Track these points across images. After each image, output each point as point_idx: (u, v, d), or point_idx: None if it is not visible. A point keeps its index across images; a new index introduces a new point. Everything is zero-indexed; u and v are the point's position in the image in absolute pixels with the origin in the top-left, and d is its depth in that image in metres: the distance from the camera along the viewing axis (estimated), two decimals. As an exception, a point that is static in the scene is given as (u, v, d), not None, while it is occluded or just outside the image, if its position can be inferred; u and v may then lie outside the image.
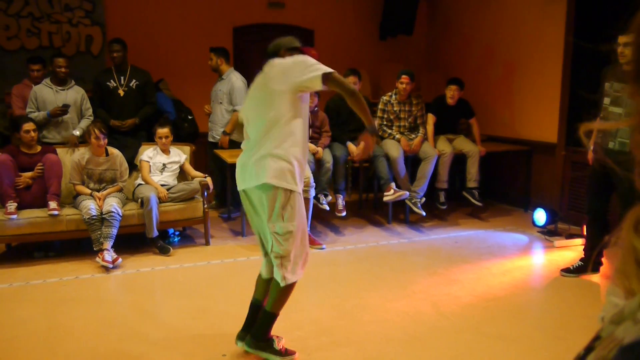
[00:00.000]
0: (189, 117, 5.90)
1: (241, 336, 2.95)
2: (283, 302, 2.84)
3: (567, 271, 4.17)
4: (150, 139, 5.21)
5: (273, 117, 2.67)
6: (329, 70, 2.64)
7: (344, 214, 5.26)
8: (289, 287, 2.80)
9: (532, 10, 6.01)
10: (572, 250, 4.77)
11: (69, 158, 4.82)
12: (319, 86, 2.64)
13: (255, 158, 2.70)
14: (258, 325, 2.88)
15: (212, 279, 4.18)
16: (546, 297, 3.86)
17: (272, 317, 2.85)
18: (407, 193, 5.35)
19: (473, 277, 4.18)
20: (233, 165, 5.21)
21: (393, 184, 5.33)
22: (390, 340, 3.14)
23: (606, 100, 3.80)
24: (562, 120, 5.71)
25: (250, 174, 2.72)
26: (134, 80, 5.30)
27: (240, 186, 2.84)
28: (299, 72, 2.66)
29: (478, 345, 3.09)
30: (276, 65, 2.76)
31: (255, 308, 2.98)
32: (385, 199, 5.35)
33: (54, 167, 4.60)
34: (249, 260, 4.57)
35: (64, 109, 4.90)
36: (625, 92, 3.68)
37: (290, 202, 2.70)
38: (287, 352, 2.89)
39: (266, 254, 2.92)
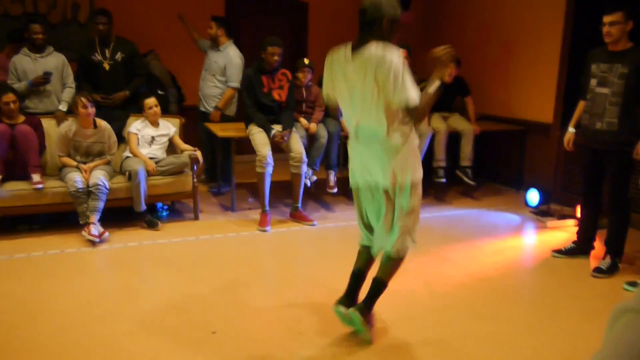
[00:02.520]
0: (160, 92, 5.65)
1: (345, 302, 2.87)
2: (395, 272, 2.85)
3: (559, 252, 4.14)
4: (139, 111, 5.07)
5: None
6: (415, 100, 2.55)
7: (335, 190, 5.19)
8: (402, 258, 2.82)
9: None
10: (565, 231, 4.74)
11: (56, 129, 4.69)
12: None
13: (384, 151, 2.63)
14: (372, 294, 2.82)
15: (201, 255, 4.11)
16: (539, 277, 3.83)
17: (384, 286, 2.83)
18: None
19: (466, 256, 4.14)
20: (224, 140, 5.16)
21: None
22: (382, 320, 3.08)
23: (593, 82, 3.75)
24: (559, 101, 5.63)
25: (385, 170, 2.66)
26: (119, 53, 5.11)
27: (366, 181, 2.78)
28: (390, 89, 2.54)
29: (472, 325, 3.05)
30: (375, 64, 2.54)
31: (358, 277, 2.94)
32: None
33: (27, 139, 4.43)
34: (239, 236, 4.50)
35: (46, 77, 4.75)
36: (611, 72, 3.65)
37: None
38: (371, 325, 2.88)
39: (367, 227, 2.92)
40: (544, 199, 5.18)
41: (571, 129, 4.05)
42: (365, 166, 2.74)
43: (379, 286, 2.82)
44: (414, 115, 2.60)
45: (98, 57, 5.08)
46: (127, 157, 4.73)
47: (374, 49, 2.55)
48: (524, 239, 4.72)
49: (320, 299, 3.32)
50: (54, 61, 4.93)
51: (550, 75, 5.70)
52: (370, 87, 2.57)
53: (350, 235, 4.53)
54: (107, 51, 5.10)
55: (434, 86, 2.62)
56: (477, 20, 6.74)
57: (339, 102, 2.83)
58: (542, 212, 5.16)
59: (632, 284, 3.54)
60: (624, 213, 3.83)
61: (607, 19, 3.57)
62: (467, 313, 3.19)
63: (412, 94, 2.54)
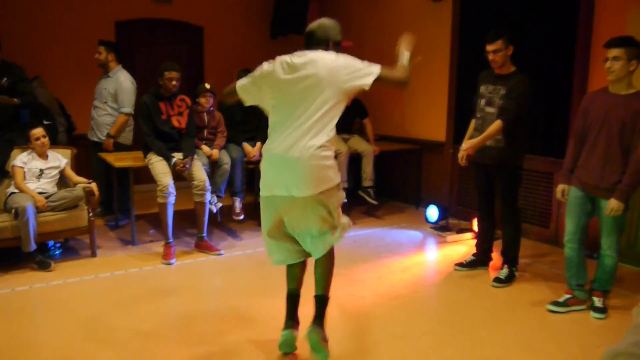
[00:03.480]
0: (45, 122, 5.30)
1: (292, 326, 2.89)
2: (331, 278, 2.92)
3: (460, 265, 4.33)
4: (24, 142, 4.70)
5: (319, 114, 2.62)
6: (378, 71, 2.69)
7: (241, 217, 5.10)
8: (333, 264, 2.92)
9: (419, 12, 6.20)
10: (464, 244, 4.98)
11: None
12: (367, 87, 2.67)
13: (304, 159, 2.58)
14: (321, 311, 2.86)
15: (102, 294, 3.84)
16: (445, 291, 3.97)
17: (327, 300, 2.88)
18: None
19: (374, 276, 4.21)
20: (120, 170, 4.91)
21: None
22: (298, 345, 3.04)
23: (482, 102, 4.02)
24: (450, 119, 5.95)
25: (303, 180, 2.61)
26: (4, 78, 4.74)
27: (281, 192, 2.69)
28: (349, 76, 2.67)
29: (386, 345, 3.08)
30: (325, 64, 2.65)
31: (296, 298, 2.96)
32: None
33: None
34: (142, 271, 4.27)
35: None
36: (495, 93, 3.93)
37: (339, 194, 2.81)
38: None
39: (284, 238, 2.86)
40: (442, 215, 5.41)
41: (463, 146, 4.26)
42: (291, 177, 2.66)
43: (324, 301, 2.87)
44: (385, 82, 2.73)
45: None
46: (13, 192, 4.35)
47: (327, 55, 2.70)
48: (427, 254, 4.88)
49: (232, 332, 3.22)
50: None
51: (441, 96, 6.01)
52: (327, 94, 2.63)
53: (260, 262, 4.48)
54: None
55: (406, 56, 2.97)
56: (370, 43, 6.98)
57: (271, 112, 2.78)
58: (442, 228, 5.38)
59: (556, 303, 3.58)
60: (515, 224, 4.08)
61: (489, 47, 3.86)
62: (382, 333, 3.23)
63: (372, 69, 2.70)
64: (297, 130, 2.63)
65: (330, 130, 2.66)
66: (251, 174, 6.03)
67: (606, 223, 3.41)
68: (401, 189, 6.66)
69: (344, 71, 2.66)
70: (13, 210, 4.19)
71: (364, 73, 2.67)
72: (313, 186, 2.64)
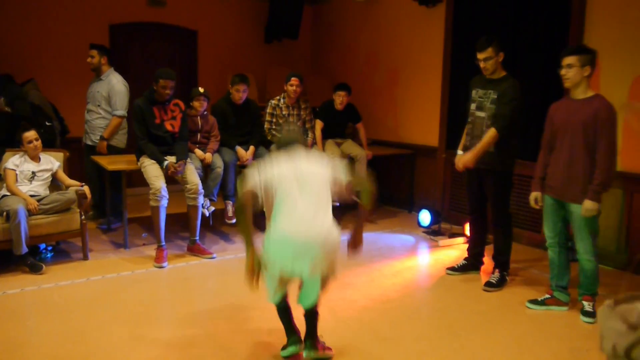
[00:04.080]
0: (47, 124, 5.31)
1: (296, 341, 2.89)
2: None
3: (452, 269, 4.35)
4: (16, 145, 4.69)
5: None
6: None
7: (234, 220, 5.09)
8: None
9: (412, 18, 6.24)
10: (455, 249, 5.00)
11: None
12: None
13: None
14: (311, 325, 2.89)
15: (93, 297, 3.82)
16: (437, 295, 3.98)
17: (317, 313, 2.90)
18: None
19: (366, 279, 4.22)
20: (113, 173, 4.90)
21: None
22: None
23: (472, 106, 4.05)
24: (443, 125, 5.98)
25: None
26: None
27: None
28: None
29: (377, 349, 3.09)
30: None
31: (287, 310, 2.95)
32: None
33: None
34: (134, 274, 4.26)
35: None
36: (486, 98, 3.96)
37: None
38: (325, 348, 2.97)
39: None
40: (434, 219, 5.43)
41: (460, 152, 4.29)
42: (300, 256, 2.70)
43: (313, 315, 2.89)
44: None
45: None
46: (4, 195, 4.34)
47: None
48: (419, 258, 4.90)
49: (224, 335, 3.23)
50: None
51: (434, 100, 6.05)
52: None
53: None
54: None
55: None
56: (363, 48, 7.03)
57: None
58: (434, 232, 5.41)
59: (534, 301, 3.69)
60: (507, 228, 4.11)
61: (480, 55, 3.91)
62: (373, 337, 3.24)
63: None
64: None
65: None
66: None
67: (578, 227, 3.46)
68: (394, 193, 6.68)
69: None
70: (4, 213, 4.18)
71: None
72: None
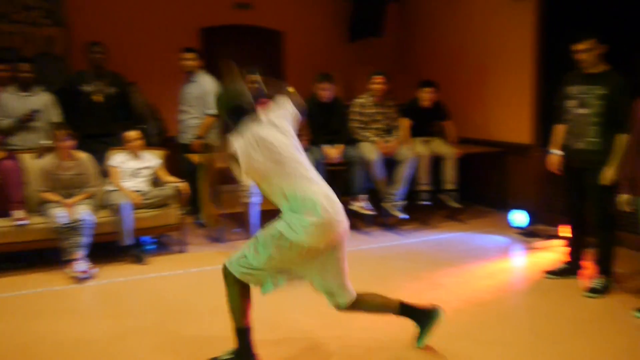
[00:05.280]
0: (143, 127, 5.63)
1: None
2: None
3: (551, 273, 4.17)
4: (120, 144, 4.99)
5: None
6: None
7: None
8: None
9: (500, 11, 6.05)
10: (552, 252, 4.79)
11: (36, 164, 4.57)
12: None
13: None
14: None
15: (191, 288, 4.01)
16: (534, 300, 3.84)
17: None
18: (373, 214, 5.37)
19: (458, 280, 4.14)
20: (208, 170, 5.08)
21: (364, 197, 5.26)
22: (381, 348, 3.06)
23: (572, 103, 3.86)
24: (536, 122, 5.75)
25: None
26: (111, 85, 5.11)
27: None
28: None
29: (473, 352, 3.03)
30: None
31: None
32: (349, 206, 5.31)
33: (10, 175, 4.35)
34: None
35: (32, 115, 4.72)
36: (590, 94, 3.75)
37: None
38: None
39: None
40: (529, 220, 5.24)
41: (555, 151, 4.11)
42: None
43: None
44: None
45: (87, 87, 5.05)
46: (111, 190, 4.63)
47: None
48: (513, 261, 4.75)
49: (318, 331, 3.28)
50: (42, 100, 4.90)
51: (524, 96, 5.82)
52: None
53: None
54: (98, 83, 5.07)
55: None
56: (451, 44, 6.88)
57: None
58: (529, 233, 5.22)
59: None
60: (609, 232, 3.88)
61: (580, 46, 3.71)
62: (468, 339, 3.17)
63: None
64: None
65: None
66: (331, 175, 6.09)
67: None
68: (485, 192, 6.51)
69: None
70: (112, 207, 4.46)
71: None
72: None
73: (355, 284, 3.96)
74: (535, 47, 5.65)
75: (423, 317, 2.94)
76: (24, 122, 4.76)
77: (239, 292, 2.72)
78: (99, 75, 5.10)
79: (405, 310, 2.92)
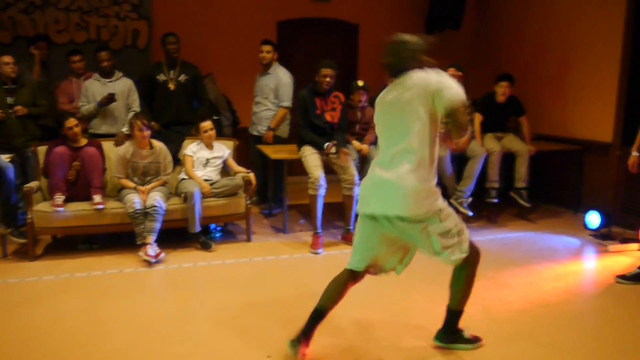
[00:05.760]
0: (215, 117, 5.79)
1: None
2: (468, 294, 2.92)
3: (623, 278, 3.96)
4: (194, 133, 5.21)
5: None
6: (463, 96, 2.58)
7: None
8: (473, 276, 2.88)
9: (588, 2, 5.75)
10: (628, 256, 4.54)
11: (115, 151, 4.85)
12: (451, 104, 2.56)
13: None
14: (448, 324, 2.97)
15: (255, 276, 4.13)
16: (602, 305, 3.66)
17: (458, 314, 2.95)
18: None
19: (524, 281, 4.02)
20: (276, 161, 5.21)
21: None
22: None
23: None
24: (619, 119, 5.45)
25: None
26: (183, 75, 5.31)
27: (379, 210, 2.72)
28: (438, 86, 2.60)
29: (534, 354, 2.94)
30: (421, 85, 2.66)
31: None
32: None
33: (92, 160, 4.61)
34: (291, 258, 4.51)
35: (110, 97, 5.02)
36: None
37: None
38: (475, 340, 3.00)
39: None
40: (604, 222, 4.99)
41: (635, 153, 3.92)
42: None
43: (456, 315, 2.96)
44: (456, 119, 2.55)
45: (163, 77, 5.29)
46: (183, 179, 4.83)
47: (416, 75, 2.66)
48: (584, 263, 4.54)
49: (379, 325, 3.29)
50: (121, 86, 5.20)
51: (608, 92, 5.53)
52: (414, 111, 2.61)
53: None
54: (172, 72, 5.30)
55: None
56: (531, 36, 6.62)
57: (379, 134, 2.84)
58: (603, 236, 4.96)
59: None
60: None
61: None
62: (529, 341, 3.08)
63: (460, 91, 2.55)
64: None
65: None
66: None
67: None
68: (558, 192, 6.24)
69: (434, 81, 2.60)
70: (183, 195, 4.65)
71: (453, 87, 2.56)
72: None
73: (419, 281, 3.97)
74: (625, 41, 5.34)
75: (459, 335, 2.99)
76: (103, 105, 5.06)
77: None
78: (172, 65, 5.32)
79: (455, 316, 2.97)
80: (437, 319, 3.02)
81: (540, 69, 6.47)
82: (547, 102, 6.35)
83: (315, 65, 4.90)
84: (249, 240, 4.92)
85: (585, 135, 5.86)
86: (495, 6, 7.38)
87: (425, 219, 2.64)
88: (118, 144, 4.92)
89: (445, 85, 2.56)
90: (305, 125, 4.86)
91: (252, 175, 4.90)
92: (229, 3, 6.80)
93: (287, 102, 5.63)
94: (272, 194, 5.74)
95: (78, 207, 4.47)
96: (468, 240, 2.76)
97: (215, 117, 5.57)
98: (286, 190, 5.17)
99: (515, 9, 6.90)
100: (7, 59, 4.90)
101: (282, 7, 7.02)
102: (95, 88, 5.13)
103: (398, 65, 2.75)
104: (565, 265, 4.35)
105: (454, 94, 2.53)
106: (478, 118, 5.59)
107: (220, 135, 5.58)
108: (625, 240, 4.81)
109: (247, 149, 5.97)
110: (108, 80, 5.17)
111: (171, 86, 5.29)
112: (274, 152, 5.17)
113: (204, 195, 4.67)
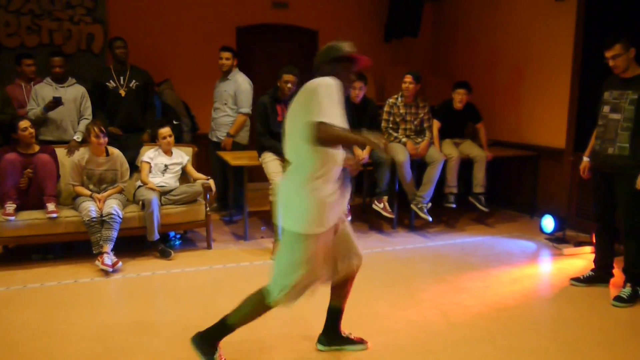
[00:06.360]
0: (175, 122, 5.72)
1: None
2: (250, 319, 2.77)
3: (577, 280, 4.08)
4: (151, 140, 5.11)
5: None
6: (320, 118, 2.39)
7: (349, 218, 5.13)
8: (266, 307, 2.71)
9: (540, 12, 5.93)
10: (582, 259, 4.68)
11: (69, 158, 4.71)
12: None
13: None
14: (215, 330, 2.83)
15: (215, 285, 4.07)
16: (558, 307, 3.76)
17: (230, 329, 2.78)
18: (394, 216, 5.34)
19: (482, 285, 4.09)
20: (236, 168, 5.16)
21: (386, 198, 5.24)
22: (401, 351, 3.04)
23: (605, 108, 3.81)
24: (571, 125, 5.62)
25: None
26: (134, 81, 5.20)
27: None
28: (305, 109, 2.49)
29: (493, 357, 2.99)
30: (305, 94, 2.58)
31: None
32: (373, 206, 5.28)
33: (46, 167, 4.48)
34: (252, 265, 4.47)
35: (56, 100, 4.82)
36: (623, 99, 3.66)
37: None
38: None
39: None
40: (559, 226, 5.13)
41: (586, 158, 4.06)
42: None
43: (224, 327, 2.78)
44: (314, 133, 2.39)
45: (113, 83, 5.16)
46: (140, 186, 4.73)
47: (309, 82, 2.56)
48: (540, 266, 4.65)
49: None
50: (73, 92, 5.04)
51: (561, 99, 5.70)
52: (297, 120, 2.54)
53: (364, 265, 4.46)
54: (122, 78, 5.17)
55: (358, 137, 2.51)
56: (487, 45, 6.78)
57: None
58: (558, 239, 5.10)
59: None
60: (639, 239, 3.77)
61: (608, 54, 3.66)
62: (488, 345, 3.13)
63: (322, 114, 2.40)
64: None
65: None
66: (360, 176, 6.10)
67: None
68: (515, 196, 6.40)
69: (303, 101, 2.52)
70: (140, 202, 4.56)
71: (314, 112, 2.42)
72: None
73: (379, 285, 4.00)
74: (576, 50, 5.52)
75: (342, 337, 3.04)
76: (49, 110, 4.86)
77: None
78: (122, 70, 5.21)
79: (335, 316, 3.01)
80: (397, 324, 3.04)
81: (495, 77, 6.63)
82: (503, 109, 6.51)
83: (276, 71, 4.88)
84: (209, 247, 4.86)
85: (540, 142, 6.02)
86: (451, 14, 7.53)
87: None
88: (70, 153, 4.79)
89: (312, 107, 2.44)
90: (265, 132, 4.83)
91: (211, 182, 4.84)
92: (187, 8, 6.72)
93: (247, 109, 5.60)
94: (232, 200, 5.69)
95: (31, 216, 4.33)
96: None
97: (175, 122, 5.48)
98: (247, 197, 5.13)
99: (472, 17, 7.06)
100: None
101: (241, 12, 6.98)
102: (45, 92, 4.93)
103: (314, 69, 2.69)
104: (521, 269, 4.45)
105: (311, 119, 2.41)
106: (436, 124, 5.68)
107: (180, 141, 5.50)
108: (579, 244, 4.95)
109: (207, 155, 5.90)
110: (60, 85, 5.01)
111: (122, 92, 5.17)
112: (234, 159, 5.12)
113: (161, 203, 4.60)
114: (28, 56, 5.27)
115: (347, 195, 2.72)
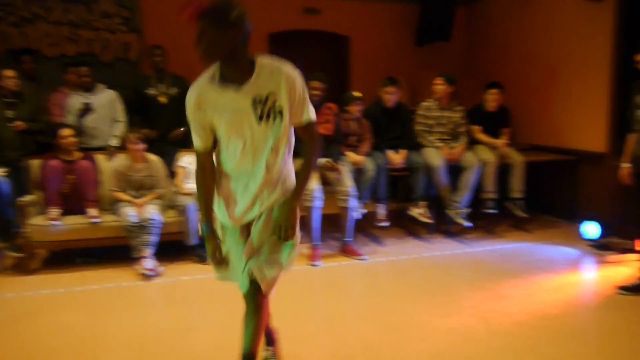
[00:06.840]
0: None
1: None
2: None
3: (625, 289, 3.95)
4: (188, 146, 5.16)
5: None
6: None
7: (386, 223, 5.11)
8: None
9: (576, 13, 5.80)
10: (628, 266, 4.54)
11: (108, 165, 4.80)
12: None
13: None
14: None
15: (253, 290, 4.07)
16: (604, 316, 3.65)
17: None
18: (431, 222, 5.27)
19: (524, 292, 4.00)
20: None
21: (425, 203, 5.19)
22: (441, 358, 2.99)
23: (639, 113, 3.69)
24: (612, 130, 5.48)
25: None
26: (173, 88, 5.27)
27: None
28: None
29: (537, 367, 2.92)
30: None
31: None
32: (409, 212, 5.24)
33: (87, 174, 4.58)
34: (290, 271, 4.46)
35: (85, 107, 4.98)
36: None
37: None
38: None
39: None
40: (602, 232, 5.00)
41: (625, 165, 3.95)
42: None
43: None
44: None
45: (153, 91, 5.24)
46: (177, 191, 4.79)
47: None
48: (584, 274, 4.54)
49: (376, 338, 3.25)
50: (104, 98, 5.14)
51: (599, 102, 5.56)
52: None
53: (402, 270, 4.47)
54: (162, 86, 5.25)
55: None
56: (520, 48, 6.67)
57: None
58: (602, 246, 4.97)
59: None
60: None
61: (636, 57, 3.54)
62: (530, 354, 3.06)
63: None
64: None
65: None
66: (395, 181, 6.04)
67: None
68: (554, 202, 6.26)
69: None
70: (179, 208, 4.61)
71: None
72: None
73: (418, 292, 3.96)
74: (613, 51, 5.38)
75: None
76: (80, 117, 5.00)
77: None
78: (160, 77, 5.29)
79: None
80: (437, 332, 2.99)
81: (529, 79, 6.51)
82: (537, 112, 6.38)
83: (307, 76, 4.89)
84: (246, 253, 4.87)
85: (579, 146, 5.88)
86: (484, 17, 7.43)
87: None
88: (110, 157, 4.89)
89: None
90: (298, 139, 4.83)
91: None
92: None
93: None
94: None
95: (74, 221, 4.43)
96: None
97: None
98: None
99: (504, 20, 6.96)
100: (10, 72, 4.89)
101: (273, 19, 7.01)
102: (75, 102, 5.08)
103: None
104: (564, 276, 4.34)
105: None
106: (477, 130, 5.60)
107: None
108: (624, 251, 4.81)
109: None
110: (90, 93, 5.13)
111: (162, 99, 5.25)
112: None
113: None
114: (77, 64, 5.39)
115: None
